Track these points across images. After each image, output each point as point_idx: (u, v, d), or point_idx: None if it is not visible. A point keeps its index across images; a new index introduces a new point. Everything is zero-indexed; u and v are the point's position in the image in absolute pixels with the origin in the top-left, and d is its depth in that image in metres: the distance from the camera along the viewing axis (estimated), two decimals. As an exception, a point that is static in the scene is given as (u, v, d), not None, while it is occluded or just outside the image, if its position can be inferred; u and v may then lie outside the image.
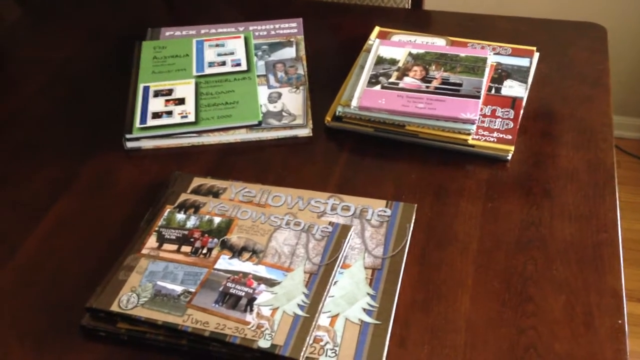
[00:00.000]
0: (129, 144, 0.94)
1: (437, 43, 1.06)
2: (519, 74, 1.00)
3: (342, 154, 0.92)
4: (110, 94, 1.04)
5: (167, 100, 0.98)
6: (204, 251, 0.75)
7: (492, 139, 0.90)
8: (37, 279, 0.77)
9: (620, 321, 0.69)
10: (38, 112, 1.03)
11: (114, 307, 0.69)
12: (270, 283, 0.71)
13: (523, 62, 1.02)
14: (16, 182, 0.90)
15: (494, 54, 1.03)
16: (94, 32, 1.20)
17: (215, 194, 0.83)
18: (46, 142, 0.97)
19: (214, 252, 0.75)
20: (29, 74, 1.11)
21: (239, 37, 1.10)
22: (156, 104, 0.97)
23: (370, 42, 1.07)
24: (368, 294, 0.71)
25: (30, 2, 1.31)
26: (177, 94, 0.99)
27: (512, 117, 0.93)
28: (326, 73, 1.05)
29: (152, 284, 0.72)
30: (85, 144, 0.95)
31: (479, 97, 0.92)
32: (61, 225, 0.84)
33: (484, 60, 0.98)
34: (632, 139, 2.14)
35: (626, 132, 2.13)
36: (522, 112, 0.94)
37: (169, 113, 0.96)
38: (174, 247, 0.76)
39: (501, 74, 1.00)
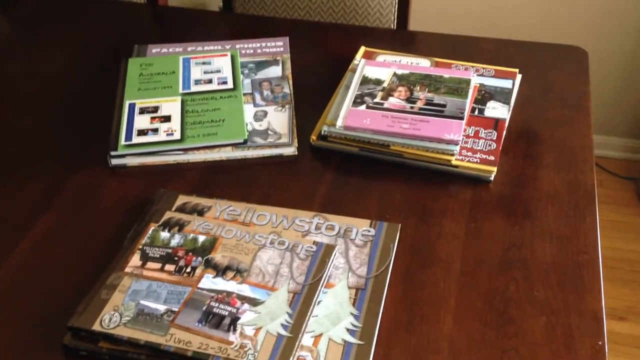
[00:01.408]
0: (114, 161, 0.94)
1: (422, 64, 1.07)
2: (502, 95, 1.01)
3: (327, 173, 0.93)
4: (98, 110, 1.03)
5: (152, 118, 0.98)
6: (188, 270, 0.75)
7: (475, 160, 0.91)
8: (19, 296, 0.77)
9: (600, 342, 0.70)
10: (24, 127, 1.02)
11: (96, 327, 0.69)
12: (254, 302, 0.72)
13: (506, 83, 1.03)
14: (1, 197, 0.90)
15: (478, 75, 1.05)
16: (82, 47, 1.20)
17: (200, 212, 0.83)
18: (31, 157, 0.96)
19: (198, 271, 0.75)
20: (16, 89, 1.11)
21: (226, 55, 1.11)
22: (142, 121, 0.97)
23: (355, 61, 1.09)
24: (351, 313, 0.72)
25: (20, 17, 1.31)
26: (163, 112, 0.99)
27: (494, 138, 0.94)
28: (312, 92, 1.06)
29: (135, 302, 0.71)
30: (71, 160, 0.95)
31: (462, 118, 0.93)
32: (45, 242, 0.83)
33: (468, 81, 1.00)
34: (615, 158, 2.17)
35: (609, 152, 2.16)
36: (504, 133, 0.96)
37: (155, 130, 0.96)
38: (158, 265, 0.76)
39: (484, 95, 1.01)
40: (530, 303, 0.74)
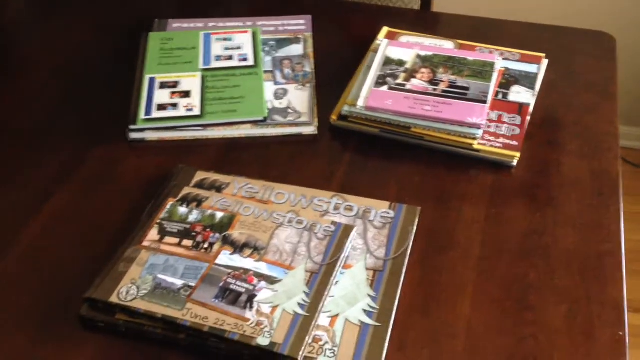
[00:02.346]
0: (133, 135, 0.93)
1: (446, 46, 1.05)
2: (527, 80, 0.99)
3: (347, 154, 0.92)
4: (117, 84, 1.03)
5: (172, 93, 0.98)
6: (205, 246, 0.75)
7: (497, 145, 0.89)
8: (38, 268, 0.77)
9: (621, 333, 0.69)
10: (44, 101, 1.02)
11: (113, 299, 0.69)
12: (271, 280, 0.71)
13: (531, 68, 1.01)
14: (20, 170, 0.90)
15: (502, 59, 1.03)
16: (102, 22, 1.20)
17: (218, 188, 0.83)
18: (50, 131, 0.96)
19: (215, 247, 0.75)
20: (37, 63, 1.11)
21: (247, 31, 1.10)
22: (162, 96, 0.97)
23: (378, 42, 1.07)
24: (369, 295, 0.71)
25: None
26: (183, 87, 0.99)
27: (518, 123, 0.92)
28: (333, 71, 1.04)
29: (152, 276, 0.71)
30: (90, 134, 0.95)
31: (485, 102, 0.92)
32: (63, 216, 0.83)
33: (492, 65, 0.98)
34: (638, 149, 2.13)
35: (632, 142, 2.12)
36: (528, 118, 0.94)
37: (174, 105, 0.95)
38: (176, 240, 0.76)
39: (509, 80, 0.99)
40: (550, 291, 0.73)
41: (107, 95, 1.02)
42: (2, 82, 1.06)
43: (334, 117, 0.95)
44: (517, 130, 0.91)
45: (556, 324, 0.70)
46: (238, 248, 0.75)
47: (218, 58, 1.04)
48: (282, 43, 1.10)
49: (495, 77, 0.97)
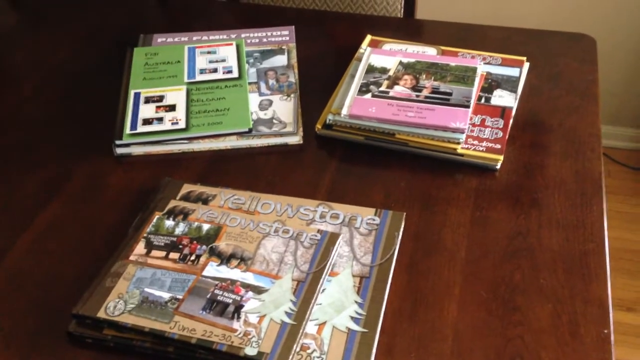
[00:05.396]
0: (119, 150, 0.94)
1: (428, 52, 1.06)
2: (509, 83, 1.00)
3: (332, 162, 0.92)
4: (103, 99, 1.04)
5: (157, 107, 0.98)
6: (192, 258, 0.75)
7: (481, 148, 0.90)
8: (24, 284, 0.77)
9: (606, 331, 0.69)
10: (30, 116, 1.03)
11: (101, 314, 0.69)
12: (258, 290, 0.72)
13: (513, 72, 1.02)
14: (6, 186, 0.90)
15: (484, 63, 1.04)
16: (88, 36, 1.20)
17: (205, 200, 0.83)
18: (37, 146, 0.96)
19: (202, 259, 0.75)
20: (22, 78, 1.11)
21: (231, 44, 1.11)
22: (147, 110, 0.97)
23: (361, 50, 1.08)
24: (356, 302, 0.71)
25: (26, 5, 1.31)
26: (168, 101, 0.99)
27: (501, 127, 0.93)
28: (317, 81, 1.05)
29: (140, 290, 0.72)
30: (76, 149, 0.95)
31: (468, 107, 0.93)
32: (50, 231, 0.83)
33: (474, 69, 0.99)
34: (623, 149, 2.15)
35: (617, 142, 2.14)
36: (511, 121, 0.95)
37: (160, 119, 0.96)
38: (162, 253, 0.76)
39: (491, 84, 1.00)
40: (535, 291, 0.74)
41: (93, 110, 1.03)
42: (-13, 101, 1.06)
43: (318, 126, 0.96)
44: (500, 134, 0.92)
45: (542, 324, 0.70)
46: (225, 259, 0.75)
47: (203, 71, 1.05)
48: (266, 54, 1.11)
49: (477, 82, 0.98)
